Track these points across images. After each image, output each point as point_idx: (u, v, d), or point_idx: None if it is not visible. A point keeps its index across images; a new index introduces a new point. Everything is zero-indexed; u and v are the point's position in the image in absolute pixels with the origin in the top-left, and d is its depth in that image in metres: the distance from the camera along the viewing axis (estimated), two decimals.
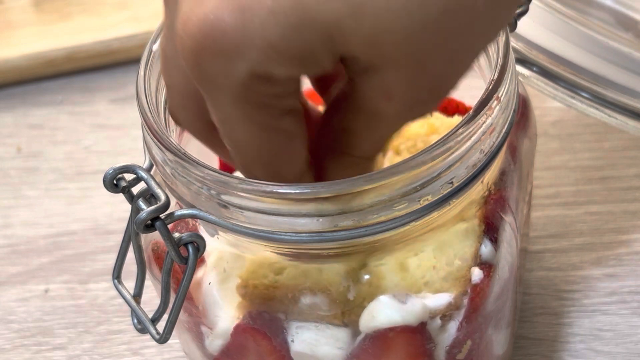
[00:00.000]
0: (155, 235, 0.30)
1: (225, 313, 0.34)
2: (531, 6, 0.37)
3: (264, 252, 0.32)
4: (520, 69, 0.42)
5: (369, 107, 0.28)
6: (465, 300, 0.33)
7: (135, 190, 0.31)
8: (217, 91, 0.27)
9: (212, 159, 0.40)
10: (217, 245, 0.33)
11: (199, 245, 0.30)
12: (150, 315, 0.32)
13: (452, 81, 0.28)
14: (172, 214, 0.30)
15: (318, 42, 0.26)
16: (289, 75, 0.27)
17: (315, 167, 0.31)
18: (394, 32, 0.26)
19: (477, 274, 0.33)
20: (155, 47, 0.34)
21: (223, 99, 0.27)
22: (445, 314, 0.32)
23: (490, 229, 0.34)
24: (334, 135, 0.30)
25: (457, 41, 0.27)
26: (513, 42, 0.41)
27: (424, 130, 0.38)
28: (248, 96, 0.27)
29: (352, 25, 0.25)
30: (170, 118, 0.33)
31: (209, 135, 0.31)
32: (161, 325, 0.32)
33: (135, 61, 0.35)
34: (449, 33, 0.26)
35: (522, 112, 0.38)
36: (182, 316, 0.35)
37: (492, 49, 0.33)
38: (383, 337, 0.32)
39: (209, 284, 0.34)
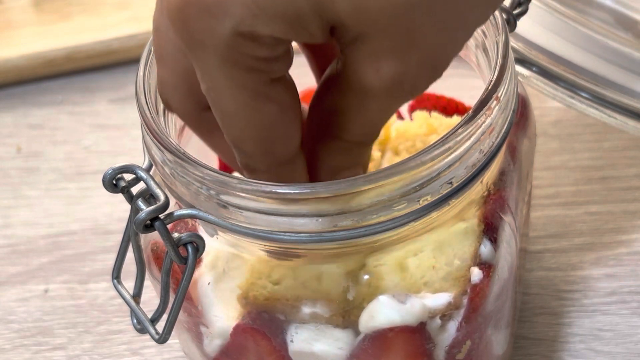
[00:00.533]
0: (155, 235, 0.30)
1: (224, 313, 0.34)
2: (531, 6, 0.37)
3: (263, 254, 0.32)
4: (519, 69, 0.42)
5: (358, 83, 0.28)
6: (465, 300, 0.33)
7: (134, 190, 0.31)
8: (203, 52, 0.27)
9: (211, 160, 0.40)
10: (216, 245, 0.33)
11: (198, 246, 0.30)
12: (149, 315, 0.32)
13: (443, 57, 0.27)
14: (171, 214, 0.30)
15: (303, 1, 0.25)
16: (275, 36, 0.26)
17: (307, 153, 0.30)
18: None
19: (476, 274, 0.33)
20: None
21: (210, 61, 0.27)
22: (445, 314, 0.32)
23: (490, 229, 0.34)
24: (324, 117, 0.30)
25: (448, 11, 0.26)
26: (513, 42, 0.41)
27: (423, 130, 0.38)
28: (235, 58, 0.26)
29: None
30: (163, 105, 0.32)
31: (198, 118, 0.31)
32: (161, 325, 0.32)
33: (135, 61, 0.35)
34: (438, 1, 0.26)
35: (522, 112, 0.38)
36: (182, 316, 0.35)
37: (491, 49, 0.33)
38: (382, 337, 0.32)
39: (208, 284, 0.34)
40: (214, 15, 0.26)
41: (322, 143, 0.30)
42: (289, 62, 0.28)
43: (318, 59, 0.34)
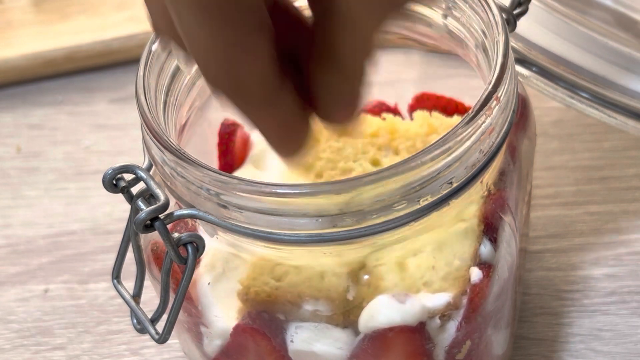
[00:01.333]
0: (155, 236, 0.30)
1: (224, 313, 0.34)
2: (531, 6, 0.37)
3: (264, 253, 0.32)
4: (519, 69, 0.42)
5: (340, 7, 0.27)
6: (465, 300, 0.33)
7: (134, 190, 0.31)
8: None
9: (211, 159, 0.40)
10: (215, 246, 0.33)
11: (198, 246, 0.30)
12: (149, 316, 0.32)
13: None
14: (171, 214, 0.30)
15: None
16: None
17: (305, 77, 0.29)
18: None
19: (476, 274, 0.33)
20: (155, 47, 0.34)
21: None
22: (444, 314, 0.32)
23: (490, 229, 0.34)
24: (316, 43, 0.29)
25: None
26: (513, 42, 0.41)
27: (424, 130, 0.38)
28: None
29: None
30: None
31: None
32: (161, 325, 0.32)
33: (135, 61, 0.35)
34: None
35: (522, 112, 0.38)
36: (182, 316, 0.35)
37: (491, 49, 0.33)
38: (382, 337, 0.32)
39: (208, 284, 0.34)
40: None
41: (316, 66, 0.29)
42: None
43: None
